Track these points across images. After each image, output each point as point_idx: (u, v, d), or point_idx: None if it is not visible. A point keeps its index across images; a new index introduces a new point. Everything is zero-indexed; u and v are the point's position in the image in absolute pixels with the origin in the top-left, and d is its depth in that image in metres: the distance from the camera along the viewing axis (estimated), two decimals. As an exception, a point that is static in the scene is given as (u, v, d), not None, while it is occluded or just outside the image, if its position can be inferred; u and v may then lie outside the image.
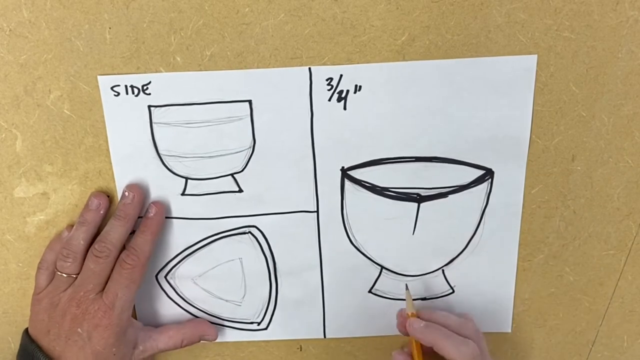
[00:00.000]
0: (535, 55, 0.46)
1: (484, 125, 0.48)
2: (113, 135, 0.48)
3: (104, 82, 0.46)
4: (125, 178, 0.49)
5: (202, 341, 0.54)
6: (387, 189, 0.50)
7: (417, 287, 0.54)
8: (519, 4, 0.45)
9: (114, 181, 0.50)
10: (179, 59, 0.46)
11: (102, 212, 0.49)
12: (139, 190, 0.49)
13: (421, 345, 0.50)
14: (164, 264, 0.53)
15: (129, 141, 0.48)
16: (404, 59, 0.46)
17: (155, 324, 0.54)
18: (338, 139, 0.49)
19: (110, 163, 0.49)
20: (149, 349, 0.51)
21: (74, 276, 0.48)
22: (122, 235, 0.48)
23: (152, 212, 0.49)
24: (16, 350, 0.51)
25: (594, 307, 0.55)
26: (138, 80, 0.46)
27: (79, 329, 0.47)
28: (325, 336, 0.56)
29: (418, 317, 0.50)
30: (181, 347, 0.53)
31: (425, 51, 0.46)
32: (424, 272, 0.54)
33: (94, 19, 0.45)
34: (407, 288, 0.53)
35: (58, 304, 0.48)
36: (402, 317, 0.52)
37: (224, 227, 0.52)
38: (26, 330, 0.50)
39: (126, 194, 0.49)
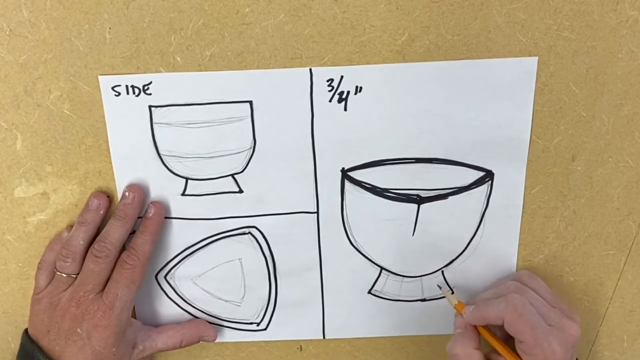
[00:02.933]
0: (536, 58, 0.46)
1: (484, 127, 0.48)
2: (113, 135, 0.48)
3: (105, 82, 0.46)
4: (125, 178, 0.49)
5: (201, 342, 0.54)
6: (387, 190, 0.50)
7: (416, 288, 0.54)
8: (519, 4, 0.45)
9: (114, 181, 0.50)
10: (179, 59, 0.46)
11: (102, 212, 0.49)
12: (139, 191, 0.49)
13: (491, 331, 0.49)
14: (163, 264, 0.53)
15: (130, 141, 0.48)
16: (404, 59, 0.46)
17: (154, 324, 0.54)
18: (338, 140, 0.49)
19: (110, 163, 0.49)
20: (148, 349, 0.52)
21: (74, 276, 0.48)
22: (122, 235, 0.48)
23: (151, 212, 0.49)
24: (16, 350, 0.51)
25: (594, 307, 0.55)
26: (139, 80, 0.46)
27: (79, 329, 0.47)
28: (324, 337, 0.56)
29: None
30: (180, 347, 0.53)
31: (425, 51, 0.46)
32: (424, 273, 0.54)
33: (94, 19, 0.45)
34: (440, 287, 0.54)
35: (58, 304, 0.48)
36: (459, 318, 0.50)
37: (224, 227, 0.52)
38: (26, 331, 0.50)
39: (126, 194, 0.49)
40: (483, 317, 0.48)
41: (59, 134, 0.48)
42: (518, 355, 0.46)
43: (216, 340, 0.55)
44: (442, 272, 0.54)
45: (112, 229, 0.48)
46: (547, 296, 0.49)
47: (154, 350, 0.52)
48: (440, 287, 0.54)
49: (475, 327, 0.49)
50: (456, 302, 0.51)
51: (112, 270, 0.48)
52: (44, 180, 0.50)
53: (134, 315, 0.54)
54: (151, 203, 0.49)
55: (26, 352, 0.48)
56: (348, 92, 0.47)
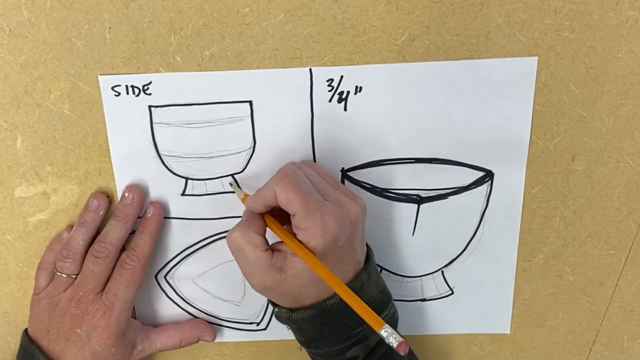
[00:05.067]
0: (536, 58, 0.46)
1: (484, 127, 0.48)
2: (113, 135, 0.48)
3: (105, 82, 0.46)
4: (125, 178, 0.49)
5: (200, 342, 0.54)
6: (387, 190, 0.50)
7: (416, 288, 0.54)
8: (519, 4, 0.45)
9: (114, 181, 0.50)
10: (179, 59, 0.46)
11: (101, 212, 0.49)
12: (139, 191, 0.49)
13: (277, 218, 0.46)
14: (163, 264, 0.53)
15: (130, 141, 0.48)
16: (403, 59, 0.46)
17: (154, 324, 0.54)
18: (338, 140, 0.49)
19: (111, 163, 0.49)
20: (147, 349, 0.52)
21: (74, 276, 0.48)
22: (122, 235, 0.48)
23: (150, 213, 0.49)
24: (16, 350, 0.51)
25: (594, 307, 0.55)
26: (139, 80, 0.46)
27: (78, 330, 0.47)
28: (325, 336, 0.56)
29: None
30: (179, 347, 0.53)
31: (425, 51, 0.46)
32: (424, 273, 0.54)
33: (94, 19, 0.45)
34: (230, 185, 0.50)
35: (58, 305, 0.48)
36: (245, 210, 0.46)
37: (224, 227, 0.52)
38: (26, 331, 0.50)
39: (126, 194, 0.49)
40: (259, 198, 0.44)
41: (59, 134, 0.48)
42: (294, 236, 0.43)
43: (216, 340, 0.55)
44: (442, 272, 0.54)
45: (112, 230, 0.48)
46: (329, 179, 0.45)
47: (153, 350, 0.52)
48: (231, 185, 0.50)
49: (260, 216, 0.45)
50: (242, 196, 0.47)
51: (112, 270, 0.48)
52: (44, 180, 0.50)
53: (133, 316, 0.54)
54: (150, 203, 0.49)
55: (26, 351, 0.49)
56: (348, 92, 0.47)
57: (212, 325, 0.55)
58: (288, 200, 0.42)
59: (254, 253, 0.43)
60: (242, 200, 0.47)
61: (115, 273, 0.48)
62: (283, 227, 0.44)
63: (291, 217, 0.43)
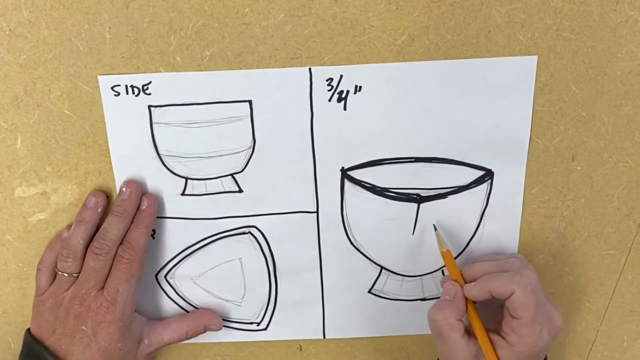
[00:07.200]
0: (536, 57, 0.46)
1: (483, 126, 0.48)
2: (113, 135, 0.48)
3: (105, 82, 0.46)
4: (125, 178, 0.49)
5: (207, 331, 0.53)
6: (387, 189, 0.50)
7: (416, 287, 0.54)
8: (519, 4, 0.45)
9: (114, 181, 0.50)
10: (179, 59, 0.46)
11: (99, 210, 0.49)
12: (136, 186, 0.49)
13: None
14: (163, 263, 0.53)
15: (129, 141, 0.48)
16: (403, 59, 0.46)
17: (155, 324, 0.54)
18: (338, 139, 0.49)
19: (110, 163, 0.49)
20: (155, 343, 0.51)
21: (76, 275, 0.48)
22: (121, 231, 0.48)
23: (144, 205, 0.49)
24: (16, 350, 0.51)
25: (594, 307, 0.55)
26: (138, 80, 0.46)
27: (84, 327, 0.47)
28: (324, 336, 0.56)
29: (462, 275, 0.48)
30: (186, 338, 0.52)
31: (425, 51, 0.46)
32: (424, 273, 0.54)
33: (94, 19, 0.45)
34: (435, 229, 0.51)
35: (62, 304, 0.48)
36: (449, 284, 0.48)
37: (224, 227, 0.52)
38: (28, 331, 0.50)
39: (123, 189, 0.48)
40: (488, 290, 0.46)
41: (59, 134, 0.48)
42: (493, 343, 0.46)
43: (216, 341, 0.55)
44: (442, 271, 0.54)
45: (111, 226, 0.48)
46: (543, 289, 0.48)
47: (160, 344, 0.52)
48: (435, 228, 0.51)
49: (465, 299, 0.47)
50: (448, 248, 0.49)
51: None
52: (44, 180, 0.50)
53: (134, 314, 0.54)
54: (144, 195, 0.49)
55: (32, 352, 0.48)
56: (347, 92, 0.47)
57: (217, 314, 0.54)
58: (522, 306, 0.44)
59: (453, 339, 0.46)
60: (444, 253, 0.49)
61: (114, 268, 0.48)
62: (482, 324, 0.47)
63: (511, 318, 0.45)
